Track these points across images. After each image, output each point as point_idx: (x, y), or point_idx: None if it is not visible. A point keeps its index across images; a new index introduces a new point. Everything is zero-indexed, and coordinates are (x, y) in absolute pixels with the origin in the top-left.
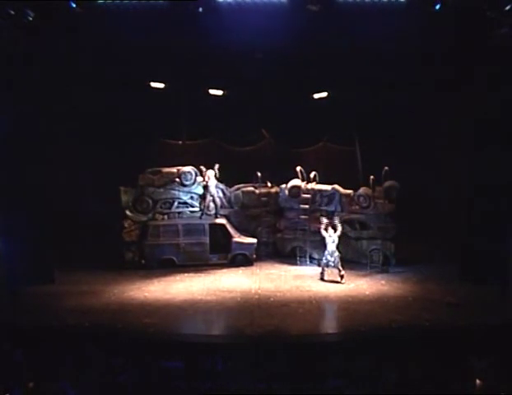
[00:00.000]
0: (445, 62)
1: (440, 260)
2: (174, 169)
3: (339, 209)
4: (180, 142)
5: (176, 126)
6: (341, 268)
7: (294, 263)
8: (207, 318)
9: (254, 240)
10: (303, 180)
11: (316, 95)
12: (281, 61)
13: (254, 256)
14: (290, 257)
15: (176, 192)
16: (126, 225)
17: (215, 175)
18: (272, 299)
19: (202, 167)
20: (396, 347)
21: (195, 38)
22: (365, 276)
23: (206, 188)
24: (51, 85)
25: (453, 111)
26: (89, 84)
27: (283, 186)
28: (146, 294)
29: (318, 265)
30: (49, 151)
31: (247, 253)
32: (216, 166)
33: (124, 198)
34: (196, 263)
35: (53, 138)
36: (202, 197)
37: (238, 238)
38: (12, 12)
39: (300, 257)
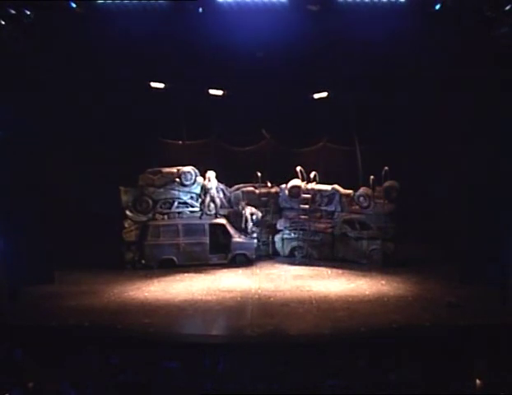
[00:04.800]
0: (445, 62)
1: (440, 260)
2: (174, 169)
3: (339, 209)
4: (180, 142)
5: (176, 126)
6: None
7: (294, 263)
8: (206, 318)
9: (254, 240)
10: (303, 180)
11: (316, 95)
12: (281, 61)
13: (254, 256)
14: (290, 257)
15: (176, 192)
16: (126, 225)
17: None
18: (272, 299)
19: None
20: (396, 347)
21: (195, 38)
22: (365, 276)
23: (203, 188)
24: (51, 86)
25: (452, 111)
26: (89, 84)
27: (283, 186)
28: (146, 294)
29: None
30: (50, 151)
31: (247, 253)
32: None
33: (124, 198)
34: (196, 263)
35: (53, 138)
36: (200, 196)
37: (238, 238)
38: (12, 12)
39: (301, 257)
